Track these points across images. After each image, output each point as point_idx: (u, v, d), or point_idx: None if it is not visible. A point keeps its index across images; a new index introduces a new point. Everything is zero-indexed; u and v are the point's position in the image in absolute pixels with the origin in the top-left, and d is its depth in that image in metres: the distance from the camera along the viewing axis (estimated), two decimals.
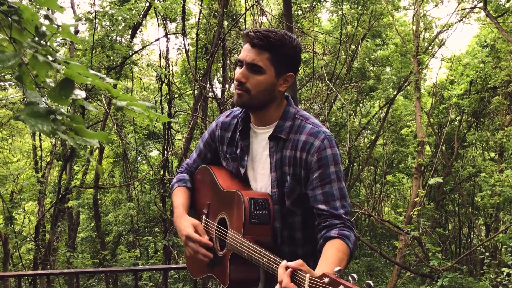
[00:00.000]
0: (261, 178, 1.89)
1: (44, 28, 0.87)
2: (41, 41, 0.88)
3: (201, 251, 1.88)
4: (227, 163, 2.01)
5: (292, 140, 1.82)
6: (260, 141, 1.90)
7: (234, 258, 1.81)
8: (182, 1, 7.42)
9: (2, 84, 9.09)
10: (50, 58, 0.87)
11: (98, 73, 0.99)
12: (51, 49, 0.89)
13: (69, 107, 7.86)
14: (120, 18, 8.52)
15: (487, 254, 6.80)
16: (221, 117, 2.09)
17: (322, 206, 1.74)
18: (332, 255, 1.65)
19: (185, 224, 1.94)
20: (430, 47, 14.68)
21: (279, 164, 1.83)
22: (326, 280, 1.39)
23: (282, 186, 1.83)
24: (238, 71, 1.81)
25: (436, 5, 13.24)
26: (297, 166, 1.80)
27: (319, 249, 1.72)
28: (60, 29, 0.97)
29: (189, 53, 9.50)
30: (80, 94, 0.96)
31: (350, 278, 1.36)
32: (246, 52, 1.79)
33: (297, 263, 1.51)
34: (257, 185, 1.91)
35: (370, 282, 1.33)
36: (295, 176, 1.81)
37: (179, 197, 2.07)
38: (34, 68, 0.86)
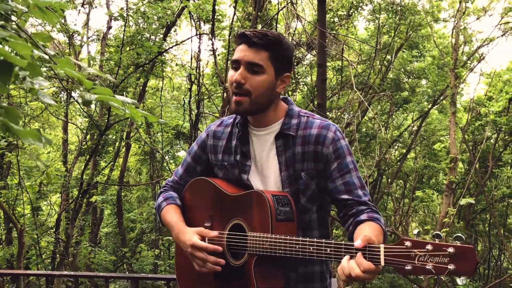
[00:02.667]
0: (269, 180, 1.81)
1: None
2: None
3: (211, 258, 1.73)
4: (225, 171, 1.90)
5: (301, 136, 1.78)
6: (263, 143, 1.84)
7: (259, 263, 1.68)
8: (213, 2, 7.34)
9: None
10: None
11: (72, 59, 0.86)
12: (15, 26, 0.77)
13: (95, 104, 7.90)
14: (154, 16, 8.54)
15: None
16: (212, 127, 2.01)
17: (345, 196, 1.71)
18: (369, 231, 1.56)
19: (189, 234, 1.81)
20: (469, 61, 14.27)
21: (290, 162, 1.77)
22: (408, 243, 1.32)
23: (296, 184, 1.76)
24: (233, 73, 1.73)
25: (477, 18, 12.84)
26: (311, 160, 1.76)
27: (350, 237, 1.67)
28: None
29: (221, 56, 9.43)
30: (40, 82, 0.83)
31: (453, 240, 1.30)
32: (242, 52, 1.73)
33: (362, 239, 1.43)
34: (266, 188, 1.80)
35: (460, 234, 1.28)
36: (309, 171, 1.76)
37: (173, 215, 1.92)
38: None
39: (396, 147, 17.62)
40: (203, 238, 1.79)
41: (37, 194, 9.95)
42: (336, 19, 11.42)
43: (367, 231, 1.56)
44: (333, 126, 1.80)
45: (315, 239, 1.56)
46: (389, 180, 16.66)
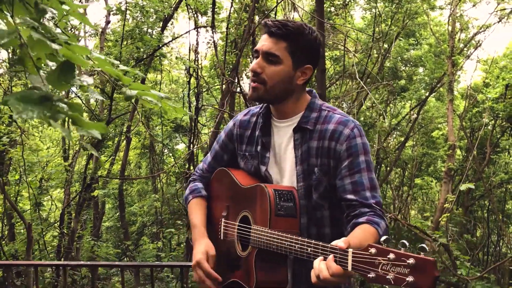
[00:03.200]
0: (287, 173, 1.80)
1: (47, 7, 0.81)
2: (42, 20, 0.81)
3: (207, 282, 1.82)
4: (246, 162, 1.92)
5: (318, 130, 1.76)
6: (283, 135, 1.83)
7: (259, 255, 1.71)
8: None
9: None
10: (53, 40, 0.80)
11: (108, 59, 0.91)
12: (55, 29, 0.82)
13: (96, 99, 7.90)
14: (151, 10, 8.53)
15: None
16: (239, 116, 2.02)
17: (351, 196, 1.66)
18: (358, 233, 1.55)
19: (199, 249, 1.86)
20: (465, 49, 14.29)
21: (305, 156, 1.75)
22: (373, 250, 1.27)
23: (309, 179, 1.74)
24: (254, 61, 1.76)
25: (474, 5, 12.85)
26: (325, 156, 1.73)
27: None
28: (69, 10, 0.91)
29: (218, 47, 9.44)
30: (86, 80, 0.88)
31: (400, 246, 1.24)
32: (263, 41, 1.74)
33: (340, 241, 1.41)
34: (282, 181, 1.81)
35: (424, 245, 1.23)
36: (322, 167, 1.73)
37: (196, 214, 1.97)
38: (34, 49, 0.79)
39: (394, 135, 17.68)
40: (209, 221, 1.95)
41: (38, 190, 10.00)
42: (332, 9, 11.42)
43: (356, 234, 1.54)
44: (352, 122, 1.77)
45: (299, 238, 1.55)
46: (388, 168, 16.74)
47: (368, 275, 1.27)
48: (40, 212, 10.06)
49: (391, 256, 1.23)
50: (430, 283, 1.18)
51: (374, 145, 13.96)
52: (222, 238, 1.91)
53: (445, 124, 15.80)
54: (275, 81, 1.73)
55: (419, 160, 17.08)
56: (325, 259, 1.41)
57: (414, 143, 17.68)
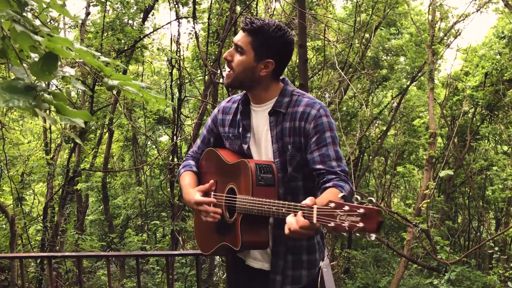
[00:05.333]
0: (264, 151, 2.06)
1: None
2: (23, 13, 0.82)
3: (210, 209, 2.00)
4: (230, 142, 2.17)
5: (290, 113, 2.00)
6: (260, 118, 2.08)
7: (244, 220, 1.94)
8: None
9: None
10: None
11: (89, 50, 0.93)
12: (36, 21, 0.83)
13: (77, 91, 7.85)
14: (131, 1, 8.45)
15: (496, 248, 6.71)
16: (223, 103, 2.28)
17: (319, 166, 1.91)
18: (324, 195, 1.80)
19: (192, 193, 2.09)
20: (445, 38, 14.44)
21: (279, 136, 2.00)
22: (332, 204, 1.51)
23: (283, 155, 1.99)
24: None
25: None
26: (297, 135, 1.97)
27: None
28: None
29: (200, 38, 9.39)
30: (68, 71, 0.90)
31: (362, 201, 1.49)
32: (238, 35, 1.99)
33: (307, 200, 1.66)
34: (261, 157, 2.08)
35: (371, 198, 1.47)
36: (295, 145, 1.97)
37: (186, 179, 2.21)
38: (16, 41, 0.81)
39: (376, 124, 17.84)
40: (204, 194, 2.10)
41: (20, 184, 9.88)
42: None
43: (323, 195, 1.79)
44: (318, 104, 2.00)
45: (276, 201, 1.80)
46: (371, 157, 16.92)
47: (329, 225, 1.52)
48: (23, 206, 9.96)
49: (346, 208, 1.47)
50: (375, 227, 1.43)
51: (357, 134, 14.08)
52: None
53: (426, 113, 16.00)
54: (239, 70, 1.98)
55: (401, 148, 17.28)
56: (295, 216, 1.66)
57: (396, 131, 17.87)
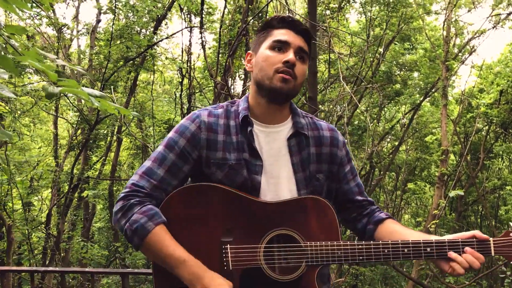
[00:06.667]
0: (281, 181, 1.66)
1: None
2: None
3: None
4: (229, 172, 1.62)
5: (313, 137, 1.74)
6: (273, 140, 1.69)
7: (319, 273, 1.62)
8: None
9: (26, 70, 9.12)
10: None
11: (42, 52, 0.84)
12: None
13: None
14: (145, 10, 8.47)
15: (508, 273, 6.51)
16: (204, 117, 1.69)
17: (359, 197, 1.79)
18: (405, 229, 1.72)
19: (218, 281, 1.50)
20: (460, 54, 14.29)
21: (306, 163, 1.69)
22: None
23: (310, 185, 1.68)
24: (275, 54, 1.64)
25: (469, 11, 12.85)
26: (327, 162, 1.74)
27: (369, 234, 1.76)
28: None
29: (211, 49, 9.35)
30: (0, 75, 0.81)
31: None
32: (291, 36, 1.66)
33: (466, 235, 1.64)
34: (279, 191, 1.65)
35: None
36: (324, 173, 1.73)
37: (176, 246, 1.52)
38: None
39: (388, 139, 17.66)
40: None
41: (28, 190, 9.88)
42: (327, 12, 11.38)
43: (407, 230, 1.69)
44: (336, 130, 1.83)
45: (387, 241, 1.61)
46: (381, 172, 16.72)
47: (510, 255, 1.60)
48: (30, 212, 9.96)
49: None
50: None
51: (368, 149, 13.93)
52: (230, 268, 1.55)
53: (438, 129, 15.79)
54: (301, 80, 1.67)
55: (412, 164, 17.07)
56: (458, 252, 1.60)
57: (407, 147, 17.67)
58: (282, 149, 1.68)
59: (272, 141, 1.69)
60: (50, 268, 2.99)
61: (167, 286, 1.58)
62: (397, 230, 1.70)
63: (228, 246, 1.55)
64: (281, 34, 1.65)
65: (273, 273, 1.55)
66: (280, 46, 1.64)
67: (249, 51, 1.77)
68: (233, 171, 1.62)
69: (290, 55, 1.61)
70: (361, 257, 1.58)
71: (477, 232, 1.63)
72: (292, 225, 1.58)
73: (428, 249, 1.59)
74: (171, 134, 1.68)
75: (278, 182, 1.66)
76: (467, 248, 1.59)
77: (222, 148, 1.64)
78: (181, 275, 1.50)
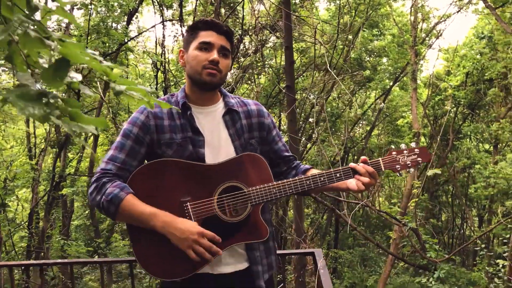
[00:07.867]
0: (224, 150, 2.03)
1: (37, 1, 0.81)
2: (33, 17, 0.81)
3: (214, 248, 1.86)
4: (177, 148, 1.97)
5: (243, 111, 2.13)
6: (211, 119, 2.06)
7: (262, 210, 2.02)
8: None
9: None
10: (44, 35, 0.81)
11: (96, 55, 0.92)
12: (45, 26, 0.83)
13: (64, 93, 7.79)
14: (115, 4, 8.39)
15: (483, 245, 6.80)
16: (148, 108, 1.91)
17: (286, 153, 2.22)
18: (316, 171, 2.11)
19: (190, 223, 1.87)
20: (427, 38, 14.63)
21: (240, 133, 2.07)
22: (394, 153, 2.04)
23: (246, 150, 2.06)
24: (201, 53, 1.99)
25: None
26: (257, 130, 2.13)
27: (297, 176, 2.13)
28: (55, 7, 0.91)
29: None
30: (76, 76, 0.90)
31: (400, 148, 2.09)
32: (215, 37, 2.00)
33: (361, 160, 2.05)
34: (218, 157, 2.01)
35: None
36: (256, 138, 2.12)
37: (145, 205, 1.85)
38: (25, 47, 0.79)
39: (360, 125, 17.98)
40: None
41: (2, 190, 9.73)
42: (297, 1, 11.49)
43: (320, 171, 2.07)
44: (261, 104, 2.25)
45: (308, 175, 2.04)
46: (355, 157, 17.03)
47: (396, 167, 2.02)
48: (6, 213, 9.81)
49: (406, 152, 2.03)
50: (430, 158, 2.08)
51: (341, 135, 14.18)
52: (192, 220, 1.92)
53: (409, 113, 16.17)
54: (226, 72, 2.05)
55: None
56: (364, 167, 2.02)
57: (379, 132, 18.02)
58: (219, 124, 2.07)
59: (211, 120, 2.06)
60: (59, 260, 3.03)
61: (142, 239, 1.92)
62: (318, 172, 2.09)
63: (188, 204, 1.92)
64: (206, 35, 2.00)
65: (226, 217, 1.93)
66: (206, 47, 1.99)
67: (181, 49, 2.12)
68: (180, 148, 1.98)
69: (214, 55, 1.98)
70: (290, 190, 2.00)
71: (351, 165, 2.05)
72: (235, 178, 1.98)
73: (337, 174, 2.01)
74: (125, 125, 2.04)
75: (219, 152, 2.03)
76: (361, 164, 2.01)
77: (168, 130, 2.00)
78: (155, 226, 1.84)
